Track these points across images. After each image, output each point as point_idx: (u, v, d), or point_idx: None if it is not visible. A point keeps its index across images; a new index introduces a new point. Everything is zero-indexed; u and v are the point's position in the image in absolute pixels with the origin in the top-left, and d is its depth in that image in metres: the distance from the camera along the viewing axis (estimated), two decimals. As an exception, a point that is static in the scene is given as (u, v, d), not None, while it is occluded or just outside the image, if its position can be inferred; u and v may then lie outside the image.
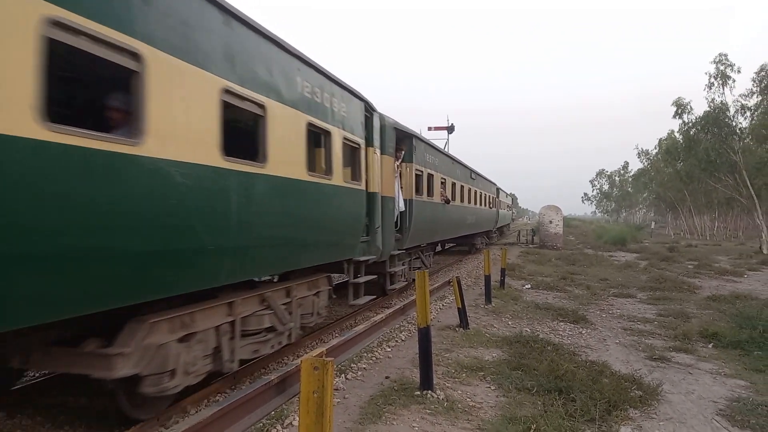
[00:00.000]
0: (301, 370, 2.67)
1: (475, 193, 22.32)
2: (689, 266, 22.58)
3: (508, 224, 49.18)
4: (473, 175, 21.95)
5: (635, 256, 27.87)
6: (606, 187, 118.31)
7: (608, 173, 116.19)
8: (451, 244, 28.05)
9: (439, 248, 25.07)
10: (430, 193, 14.43)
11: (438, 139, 32.28)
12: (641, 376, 6.56)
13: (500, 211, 35.06)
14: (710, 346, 8.64)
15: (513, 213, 59.73)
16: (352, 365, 6.25)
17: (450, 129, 35.85)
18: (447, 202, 16.02)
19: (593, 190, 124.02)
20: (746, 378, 6.95)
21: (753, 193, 32.78)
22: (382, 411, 4.85)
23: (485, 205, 25.99)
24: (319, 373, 2.64)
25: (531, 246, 32.56)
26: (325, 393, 2.64)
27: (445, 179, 16.41)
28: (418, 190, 13.08)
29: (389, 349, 7.17)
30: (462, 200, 19.15)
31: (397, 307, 5.97)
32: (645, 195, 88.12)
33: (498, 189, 33.72)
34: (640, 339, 9.05)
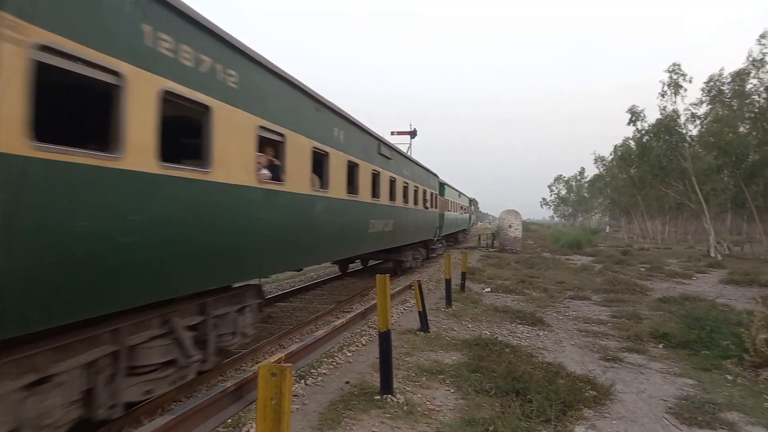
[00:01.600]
0: (259, 376, 2.63)
1: (394, 182, 14.33)
2: (642, 269, 23.35)
3: (465, 229, 43.96)
4: (385, 151, 13.36)
5: (590, 259, 28.63)
6: (563, 192, 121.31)
7: (566, 179, 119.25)
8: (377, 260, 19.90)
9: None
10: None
11: (401, 143, 32.47)
12: (595, 376, 6.75)
13: (448, 213, 28.01)
14: (661, 346, 8.95)
15: (472, 217, 53.58)
16: (312, 371, 6.20)
17: (412, 134, 36.17)
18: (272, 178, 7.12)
19: (551, 195, 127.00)
20: (694, 377, 7.22)
21: (701, 198, 34.18)
22: (342, 416, 4.84)
23: (418, 204, 18.25)
24: (276, 379, 2.62)
25: (491, 250, 33.08)
26: (282, 399, 2.61)
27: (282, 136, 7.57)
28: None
29: (350, 354, 7.15)
30: (355, 190, 10.76)
31: (358, 311, 5.95)
32: (600, 200, 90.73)
33: (443, 184, 26.59)
34: (595, 340, 9.30)
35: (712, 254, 32.29)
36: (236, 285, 6.66)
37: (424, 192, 19.99)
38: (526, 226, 69.05)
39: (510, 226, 32.16)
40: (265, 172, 6.76)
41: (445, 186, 27.76)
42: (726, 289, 17.18)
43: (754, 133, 31.51)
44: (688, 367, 7.67)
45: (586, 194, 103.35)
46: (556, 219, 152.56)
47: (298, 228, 7.77)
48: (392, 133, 34.68)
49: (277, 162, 7.20)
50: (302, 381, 5.83)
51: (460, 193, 36.68)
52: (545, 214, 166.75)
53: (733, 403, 6.05)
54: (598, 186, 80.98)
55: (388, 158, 13.72)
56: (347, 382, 5.90)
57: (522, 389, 5.76)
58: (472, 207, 58.60)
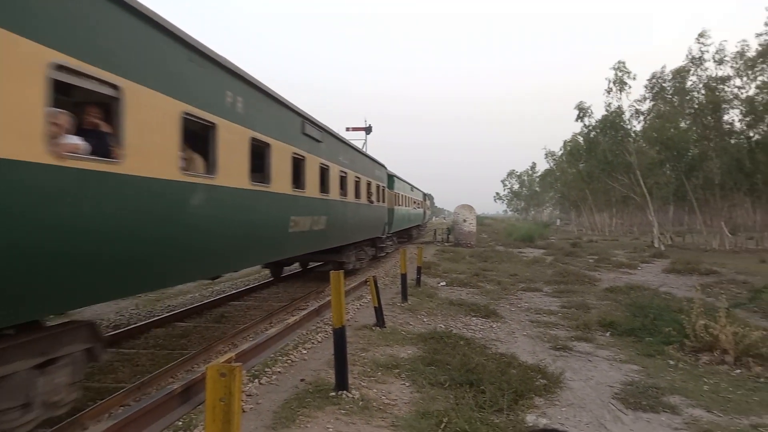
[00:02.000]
0: (207, 377, 2.57)
1: (327, 171, 12.13)
2: (590, 260, 24.13)
3: (419, 225, 42.54)
4: (312, 131, 11.00)
5: (542, 251, 29.38)
6: (516, 186, 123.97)
7: (518, 174, 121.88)
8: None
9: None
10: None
11: (356, 139, 32.41)
12: (546, 365, 6.92)
13: (398, 208, 25.96)
14: (608, 334, 9.28)
15: (427, 212, 50.82)
16: (267, 369, 6.12)
17: (368, 130, 36.15)
18: (95, 152, 5.08)
19: (504, 189, 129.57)
20: (638, 363, 7.52)
21: (645, 191, 35.59)
22: (296, 414, 4.80)
23: (361, 197, 16.14)
24: (226, 379, 2.56)
25: (446, 244, 33.44)
26: (232, 400, 2.56)
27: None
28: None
29: (305, 352, 7.08)
30: (265, 178, 8.62)
31: (313, 308, 5.91)
32: (551, 194, 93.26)
33: (392, 176, 24.44)
34: (546, 330, 9.56)
35: (656, 245, 33.69)
36: (50, 324, 4.52)
37: (369, 184, 17.54)
38: (481, 220, 70.22)
39: (464, 221, 32.61)
40: (76, 142, 4.49)
41: (395, 178, 25.46)
42: (668, 278, 17.97)
43: (694, 129, 33.03)
44: (633, 354, 7.98)
45: (537, 189, 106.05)
46: (510, 213, 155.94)
47: (149, 230, 5.27)
48: (347, 129, 34.57)
49: (105, 128, 4.96)
50: (256, 380, 5.75)
51: (412, 187, 34.60)
52: (499, 209, 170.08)
53: (675, 387, 6.33)
54: (548, 180, 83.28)
55: (318, 141, 11.33)
56: (302, 380, 5.85)
57: (476, 380, 5.85)
58: (428, 202, 56.84)
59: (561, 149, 61.53)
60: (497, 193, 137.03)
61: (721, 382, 6.56)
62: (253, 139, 7.87)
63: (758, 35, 29.91)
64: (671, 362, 7.43)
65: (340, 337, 5.32)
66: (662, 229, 41.01)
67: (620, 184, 41.58)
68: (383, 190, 20.99)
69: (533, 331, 9.52)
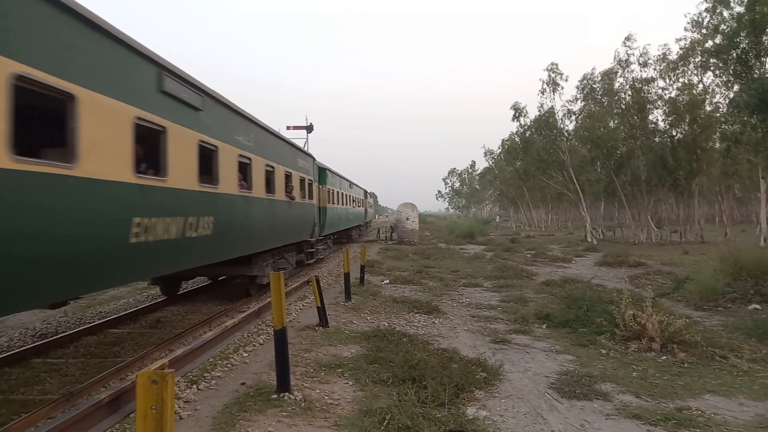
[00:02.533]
0: (137, 384, 2.47)
1: (214, 154, 9.06)
2: (528, 255, 24.91)
3: (360, 225, 38.85)
4: (181, 91, 7.77)
5: (482, 248, 30.09)
6: (457, 184, 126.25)
7: (459, 172, 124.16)
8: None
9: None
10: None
11: (297, 138, 31.98)
12: (486, 358, 7.10)
13: (333, 207, 22.98)
14: (544, 326, 9.61)
15: (369, 211, 48.45)
16: (206, 374, 5.95)
17: (309, 128, 35.72)
18: None
19: (446, 187, 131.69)
20: (573, 353, 7.84)
21: (578, 188, 37.11)
22: (237, 419, 4.68)
23: (275, 193, 12.69)
24: (157, 386, 2.47)
25: (390, 242, 33.64)
26: (165, 407, 2.46)
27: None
28: None
29: (246, 355, 6.94)
30: (69, 157, 5.18)
31: (252, 310, 5.78)
32: (491, 191, 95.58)
33: (324, 170, 21.55)
34: (486, 324, 9.79)
35: (589, 239, 35.18)
36: None
37: (288, 176, 14.16)
38: (423, 218, 71.16)
39: (407, 219, 32.92)
40: None
41: (329, 173, 22.47)
42: (600, 271, 18.80)
43: (621, 128, 34.68)
44: (568, 344, 8.31)
45: (477, 186, 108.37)
46: (451, 211, 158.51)
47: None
48: (288, 128, 34.05)
49: None
50: (194, 386, 5.57)
51: (351, 184, 31.53)
52: (441, 207, 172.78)
53: (607, 375, 6.63)
54: (488, 178, 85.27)
55: (195, 108, 8.00)
56: (243, 384, 5.72)
57: (418, 376, 5.91)
58: (371, 200, 55.89)
59: (499, 148, 63.14)
60: (439, 191, 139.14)
61: (649, 368, 6.92)
62: (29, 81, 4.58)
63: (678, 40, 31.80)
64: (603, 351, 7.78)
65: (281, 338, 5.24)
66: (594, 224, 42.89)
67: (555, 182, 43.14)
68: (311, 185, 17.75)
69: (474, 325, 9.73)
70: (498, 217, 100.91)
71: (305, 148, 29.05)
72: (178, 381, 5.63)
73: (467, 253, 26.04)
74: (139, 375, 2.49)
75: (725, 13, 22.80)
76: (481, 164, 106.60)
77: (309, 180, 17.25)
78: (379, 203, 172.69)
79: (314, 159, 18.98)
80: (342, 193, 26.65)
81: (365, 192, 42.12)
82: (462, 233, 39.81)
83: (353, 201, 32.18)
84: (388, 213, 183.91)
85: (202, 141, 8.28)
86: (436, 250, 27.15)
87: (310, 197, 17.46)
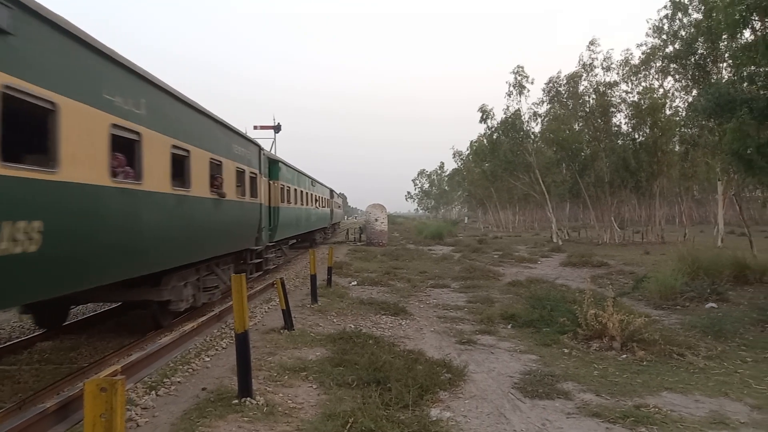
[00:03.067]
0: (85, 392, 2.38)
1: (77, 125, 5.88)
2: (495, 256, 25.19)
3: (325, 228, 35.87)
4: (74, 48, 5.98)
5: (451, 248, 30.30)
6: (426, 185, 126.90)
7: (428, 173, 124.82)
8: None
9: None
10: None
11: (264, 138, 31.59)
12: (451, 359, 7.13)
13: (288, 207, 19.55)
14: (509, 326, 9.71)
15: (336, 211, 45.45)
16: (165, 380, 5.80)
17: (276, 128, 35.33)
18: None
19: (415, 188, 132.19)
20: (537, 352, 7.94)
21: (544, 189, 37.75)
22: (196, 425, 4.58)
23: (197, 188, 9.63)
24: (107, 394, 2.38)
25: (359, 244, 33.58)
26: (114, 415, 2.38)
27: None
28: None
29: (208, 359, 6.80)
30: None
31: (213, 313, 5.66)
32: (459, 193, 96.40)
33: (276, 162, 18.35)
34: (452, 325, 9.84)
35: (555, 240, 35.80)
36: None
37: (218, 166, 10.90)
38: (393, 219, 71.26)
39: (376, 220, 32.91)
40: None
41: (282, 166, 18.85)
42: (565, 271, 19.15)
43: (586, 130, 35.42)
44: (532, 344, 8.41)
45: (446, 187, 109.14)
46: (421, 212, 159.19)
47: None
48: (255, 128, 33.61)
49: None
50: (153, 392, 5.42)
51: (314, 181, 28.14)
52: (411, 207, 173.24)
53: (569, 374, 6.74)
54: (456, 179, 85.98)
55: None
56: (204, 389, 5.60)
57: (383, 378, 5.88)
58: (338, 200, 53.70)
59: (468, 149, 63.72)
60: (408, 192, 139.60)
61: (609, 366, 7.06)
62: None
63: (638, 45, 32.66)
64: (566, 350, 7.90)
65: (242, 342, 5.14)
66: (560, 224, 43.68)
67: (521, 183, 43.78)
68: (255, 179, 14.18)
69: (440, 326, 9.77)
70: (466, 218, 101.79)
71: (272, 150, 28.57)
72: (136, 387, 5.48)
73: (435, 254, 26.17)
74: (88, 383, 2.41)
75: (684, 20, 23.52)
76: (450, 165, 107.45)
77: (252, 173, 13.71)
78: (349, 204, 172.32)
79: (261, 148, 15.29)
80: (301, 192, 23.48)
81: (331, 191, 39.25)
82: (431, 234, 40.01)
83: (316, 201, 29.19)
84: (358, 214, 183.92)
85: (10, 88, 4.84)
86: (404, 251, 27.21)
87: (254, 195, 13.84)
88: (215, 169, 10.92)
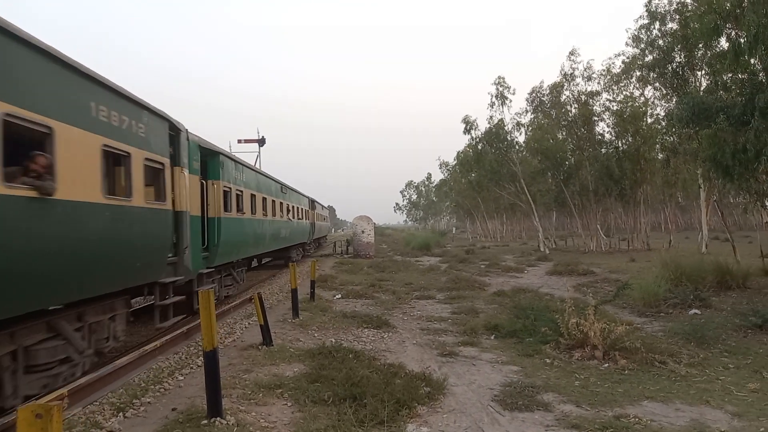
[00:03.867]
0: (18, 420, 2.25)
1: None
2: (482, 266, 25.13)
3: (304, 243, 31.15)
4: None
5: (438, 259, 30.22)
6: (414, 197, 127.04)
7: (415, 184, 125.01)
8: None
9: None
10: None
11: (248, 152, 31.35)
12: (431, 372, 7.00)
13: (231, 218, 13.52)
14: (492, 337, 9.61)
15: (319, 225, 41.37)
16: (135, 401, 5.62)
17: (261, 142, 35.24)
18: None
19: (404, 200, 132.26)
20: (518, 363, 7.84)
21: (530, 198, 37.88)
22: (161, 448, 4.42)
23: (75, 183, 6.12)
24: (42, 421, 2.25)
25: (346, 256, 33.40)
26: (50, 444, 2.25)
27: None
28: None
29: (182, 378, 6.63)
30: None
31: (180, 331, 5.51)
32: (447, 203, 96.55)
33: (218, 155, 12.63)
34: (435, 337, 9.72)
35: (542, 249, 35.86)
36: None
37: (44, 135, 5.71)
38: (381, 230, 71.19)
39: (363, 232, 32.81)
40: None
41: (225, 160, 13.40)
42: (551, 280, 19.12)
43: (569, 139, 35.68)
44: (514, 355, 8.31)
45: (434, 198, 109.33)
46: (410, 223, 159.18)
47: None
48: (239, 141, 33.50)
49: None
50: (120, 414, 5.25)
51: (284, 187, 23.58)
52: (400, 219, 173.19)
53: (550, 385, 6.64)
54: (444, 190, 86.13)
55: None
56: (174, 409, 5.43)
57: (359, 394, 5.74)
58: (324, 212, 51.32)
59: (455, 160, 63.93)
60: (397, 204, 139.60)
61: (591, 376, 6.98)
62: None
63: (617, 55, 33.06)
64: (548, 360, 7.81)
65: (211, 360, 4.99)
66: (547, 233, 43.80)
67: (507, 192, 43.93)
68: (163, 171, 9.06)
69: (423, 338, 9.64)
70: (454, 228, 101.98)
71: (257, 164, 28.09)
72: (103, 409, 5.30)
73: (422, 266, 26.07)
74: (21, 409, 2.27)
75: (660, 29, 23.80)
76: (437, 176, 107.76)
77: (158, 162, 8.85)
78: (338, 216, 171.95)
79: (180, 128, 10.07)
80: (263, 198, 18.41)
81: (311, 201, 34.92)
82: (418, 245, 39.92)
83: (288, 211, 24.55)
84: (347, 226, 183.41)
85: None
86: (391, 262, 27.06)
87: (160, 197, 8.97)
88: (115, 160, 7.62)
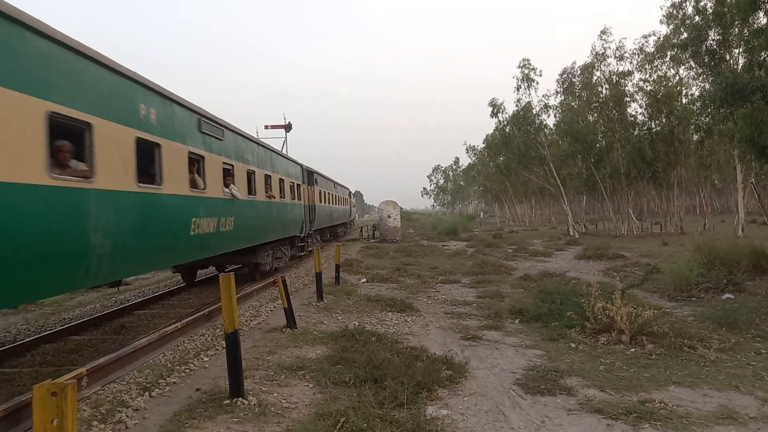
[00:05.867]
0: (34, 398, 2.30)
1: None
2: (509, 250, 24.89)
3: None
4: None
5: (465, 244, 30.05)
6: (441, 181, 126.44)
7: (443, 168, 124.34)
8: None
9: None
10: None
11: (275, 138, 31.59)
12: (453, 356, 6.98)
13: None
14: (517, 321, 9.52)
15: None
16: (161, 380, 5.75)
17: (287, 127, 35.35)
18: None
19: (431, 184, 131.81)
20: (542, 347, 7.74)
21: (559, 182, 37.25)
22: (184, 426, 4.51)
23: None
24: (57, 399, 2.31)
25: (372, 241, 33.47)
26: (65, 420, 2.31)
27: None
28: None
29: (207, 359, 6.75)
30: None
31: (201, 313, 5.60)
32: (475, 187, 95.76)
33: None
34: (459, 321, 9.68)
35: (571, 233, 35.31)
36: None
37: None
38: (408, 215, 71.07)
39: (389, 217, 32.74)
40: None
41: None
42: (579, 264, 18.83)
43: (600, 121, 34.85)
44: (539, 339, 8.21)
45: (462, 183, 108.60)
46: (437, 208, 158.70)
47: None
48: (266, 127, 33.71)
49: None
50: (146, 393, 5.38)
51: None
52: (427, 204, 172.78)
53: (574, 369, 6.55)
54: (471, 174, 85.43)
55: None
56: (198, 389, 5.54)
57: (380, 376, 5.76)
58: (339, 192, 49.98)
59: (483, 143, 63.26)
60: (424, 188, 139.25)
61: (616, 361, 6.86)
62: None
63: (645, 36, 32.00)
64: (573, 345, 7.70)
65: (232, 341, 5.07)
66: (576, 217, 43.12)
67: (536, 176, 43.27)
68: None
69: (446, 322, 9.62)
70: (482, 213, 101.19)
71: (283, 149, 28.55)
72: (129, 388, 5.44)
73: (449, 250, 25.96)
74: (36, 387, 2.33)
75: (691, 8, 22.91)
76: (465, 161, 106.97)
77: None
78: (366, 202, 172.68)
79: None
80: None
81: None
82: (445, 230, 39.71)
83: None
84: (374, 211, 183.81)
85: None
86: (417, 247, 27.02)
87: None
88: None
